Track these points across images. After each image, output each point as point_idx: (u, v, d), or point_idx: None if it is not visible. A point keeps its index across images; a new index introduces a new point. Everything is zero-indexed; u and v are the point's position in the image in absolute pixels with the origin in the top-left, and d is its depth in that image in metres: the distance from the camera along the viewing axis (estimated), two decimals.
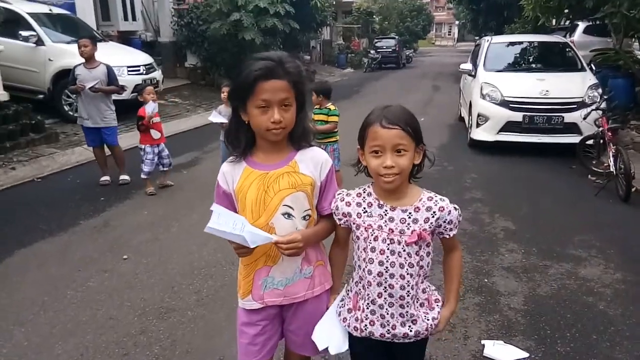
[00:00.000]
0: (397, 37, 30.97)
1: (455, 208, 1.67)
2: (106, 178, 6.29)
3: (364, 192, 1.74)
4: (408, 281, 1.66)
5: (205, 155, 7.74)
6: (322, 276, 1.84)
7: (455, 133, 9.18)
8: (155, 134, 5.87)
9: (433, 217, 1.64)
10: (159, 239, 4.55)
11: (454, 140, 8.59)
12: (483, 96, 7.75)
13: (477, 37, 36.34)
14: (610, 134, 5.90)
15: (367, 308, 1.70)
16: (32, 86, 9.41)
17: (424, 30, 49.64)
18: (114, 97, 6.21)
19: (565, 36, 12.53)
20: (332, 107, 5.34)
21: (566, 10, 12.06)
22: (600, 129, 6.22)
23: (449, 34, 73.81)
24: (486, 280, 3.67)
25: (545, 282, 3.65)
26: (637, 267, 3.87)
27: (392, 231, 1.64)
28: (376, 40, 29.52)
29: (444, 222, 1.65)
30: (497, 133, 7.50)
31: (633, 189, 5.34)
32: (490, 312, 3.25)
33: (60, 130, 8.67)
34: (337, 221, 1.78)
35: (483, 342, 2.91)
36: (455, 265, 1.79)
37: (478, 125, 7.71)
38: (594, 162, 6.52)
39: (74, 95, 6.12)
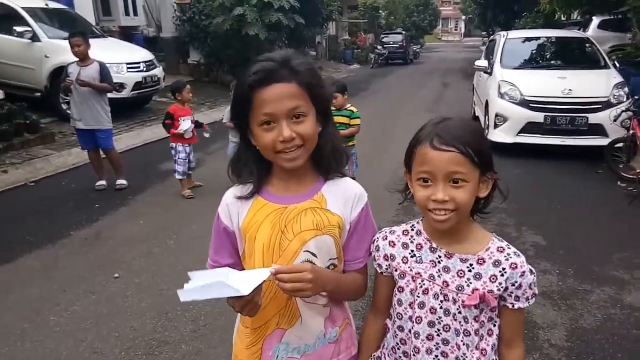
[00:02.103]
0: (403, 32, 30.46)
1: (531, 271, 1.24)
2: (102, 183, 5.90)
3: (412, 229, 1.34)
4: (464, 354, 1.25)
5: (209, 156, 7.31)
6: (349, 339, 1.43)
7: None
8: (186, 133, 5.50)
9: (502, 275, 1.21)
10: (153, 254, 4.16)
11: None
12: (501, 95, 7.31)
13: (484, 32, 35.97)
14: None
15: None
16: (29, 84, 9.02)
17: (431, 25, 49.17)
18: (112, 95, 5.80)
19: (579, 31, 12.08)
20: (354, 109, 4.94)
21: (584, 5, 11.62)
22: (631, 131, 5.79)
23: (455, 29, 73.08)
24: (534, 299, 3.24)
25: (587, 311, 3.22)
26: None
27: (447, 285, 1.24)
28: (383, 36, 29.01)
29: (512, 284, 1.22)
30: (517, 134, 7.06)
31: None
32: (529, 350, 2.83)
33: (57, 130, 8.30)
34: (377, 268, 1.36)
35: None
36: None
37: (496, 125, 7.27)
38: (621, 166, 6.09)
39: (64, 97, 5.73)
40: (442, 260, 1.26)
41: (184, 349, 2.90)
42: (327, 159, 1.32)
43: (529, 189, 5.78)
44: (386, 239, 1.35)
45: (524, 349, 1.33)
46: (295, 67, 1.22)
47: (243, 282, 1.15)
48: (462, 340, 1.24)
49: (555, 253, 4.06)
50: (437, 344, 1.26)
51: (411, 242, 1.32)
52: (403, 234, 1.34)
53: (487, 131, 7.68)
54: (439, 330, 1.26)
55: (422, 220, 1.34)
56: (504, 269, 1.22)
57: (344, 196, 1.34)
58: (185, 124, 5.40)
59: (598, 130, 6.69)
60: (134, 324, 3.16)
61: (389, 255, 1.33)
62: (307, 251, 1.29)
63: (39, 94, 9.01)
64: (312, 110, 1.25)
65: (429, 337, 1.27)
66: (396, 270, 1.32)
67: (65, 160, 7.11)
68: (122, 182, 5.90)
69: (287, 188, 1.32)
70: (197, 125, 5.66)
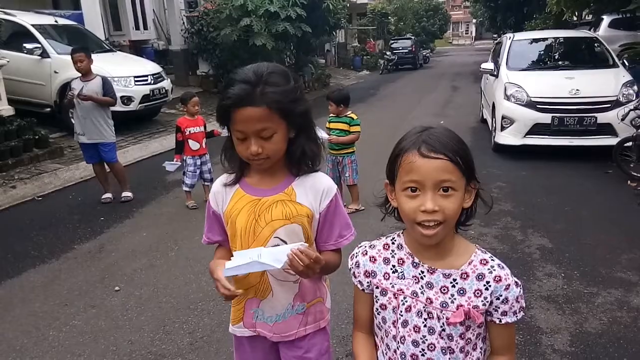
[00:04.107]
0: (413, 37, 30.40)
1: (516, 283, 1.20)
2: (108, 196, 5.94)
3: (393, 243, 1.29)
4: None
5: (215, 167, 7.30)
6: (317, 314, 1.63)
7: (477, 136, 8.64)
8: (193, 144, 5.50)
9: (487, 289, 1.17)
10: (154, 266, 4.15)
11: (476, 145, 8.03)
12: (507, 97, 7.21)
13: (495, 35, 35.80)
14: None
15: None
16: (39, 99, 9.17)
17: (441, 30, 48.89)
18: (120, 108, 5.83)
19: (589, 31, 11.92)
20: (354, 116, 4.94)
21: (592, 4, 11.48)
22: None
23: (466, 33, 72.83)
24: (523, 313, 3.16)
25: (592, 314, 3.13)
26: None
27: (431, 302, 1.19)
28: (392, 42, 28.99)
29: (497, 299, 1.18)
30: (524, 136, 6.95)
31: None
32: (531, 355, 2.75)
33: (66, 145, 8.38)
34: (358, 285, 1.32)
35: None
36: None
37: (503, 128, 7.18)
38: (632, 165, 5.96)
39: (71, 110, 5.81)
40: (425, 276, 1.21)
41: None
42: (297, 161, 1.49)
43: (537, 191, 5.68)
44: (366, 254, 1.30)
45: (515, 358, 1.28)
46: (266, 91, 1.35)
47: (274, 259, 1.35)
48: (448, 359, 1.20)
49: (561, 256, 3.97)
50: None
51: (392, 256, 1.27)
52: (384, 248, 1.29)
53: (494, 134, 7.60)
54: (423, 350, 1.21)
55: (402, 233, 1.29)
56: (488, 282, 1.18)
57: (313, 190, 1.51)
58: (169, 166, 5.58)
59: (607, 129, 6.56)
60: (132, 338, 3.14)
61: (369, 272, 1.28)
62: (277, 237, 1.48)
63: (48, 109, 9.14)
64: (283, 125, 1.41)
65: (413, 357, 1.22)
66: (377, 288, 1.27)
67: (73, 174, 7.17)
68: (127, 194, 5.93)
69: (261, 181, 1.52)
70: (209, 135, 5.63)
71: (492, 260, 1.21)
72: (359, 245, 1.35)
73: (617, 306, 3.22)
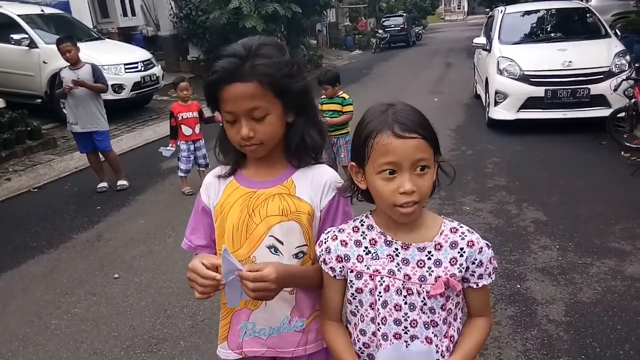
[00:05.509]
0: (405, 14, 30.10)
1: (487, 245, 1.21)
2: (103, 185, 5.94)
3: (362, 224, 1.27)
4: (437, 345, 1.21)
5: (211, 153, 7.30)
6: (319, 331, 1.39)
7: (471, 112, 8.64)
8: (186, 130, 5.47)
9: (462, 256, 1.18)
10: (153, 253, 4.18)
11: (470, 121, 8.05)
12: (500, 71, 7.19)
13: (488, 9, 35.41)
14: None
15: None
16: (29, 90, 9.10)
17: (433, 6, 48.56)
18: (112, 97, 5.79)
19: (581, 1, 11.84)
20: (347, 96, 4.92)
21: None
22: (633, 100, 5.67)
23: (458, 8, 72.16)
24: (519, 285, 3.21)
25: (587, 284, 3.18)
26: None
27: (409, 278, 1.18)
28: (384, 19, 28.74)
29: (473, 263, 1.19)
30: (518, 111, 6.95)
31: None
32: (527, 326, 2.80)
33: (59, 135, 8.36)
34: (329, 272, 1.27)
35: None
36: (478, 331, 1.26)
37: (496, 103, 7.17)
38: (625, 136, 5.99)
39: (63, 101, 5.78)
40: (399, 252, 1.20)
41: (182, 345, 2.92)
42: (296, 149, 1.32)
43: (531, 165, 5.70)
44: (336, 239, 1.26)
45: (491, 319, 1.31)
46: (257, 65, 1.20)
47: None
48: (432, 333, 1.20)
49: (556, 228, 4.01)
50: (406, 342, 1.20)
51: (363, 238, 1.24)
52: (353, 230, 1.26)
53: (487, 109, 7.60)
54: (406, 328, 1.20)
55: (371, 214, 1.27)
56: (462, 249, 1.18)
57: (315, 183, 1.33)
58: (165, 151, 5.54)
59: (600, 101, 6.55)
60: (134, 323, 3.18)
61: (342, 257, 1.25)
62: (272, 236, 1.30)
63: (39, 100, 9.08)
64: (278, 106, 1.25)
65: (396, 336, 1.20)
66: (352, 272, 1.24)
67: (67, 165, 7.16)
68: (122, 182, 5.92)
69: (258, 172, 1.35)
70: (209, 121, 5.53)
71: (461, 227, 1.22)
72: (327, 231, 1.29)
73: (611, 275, 3.26)
